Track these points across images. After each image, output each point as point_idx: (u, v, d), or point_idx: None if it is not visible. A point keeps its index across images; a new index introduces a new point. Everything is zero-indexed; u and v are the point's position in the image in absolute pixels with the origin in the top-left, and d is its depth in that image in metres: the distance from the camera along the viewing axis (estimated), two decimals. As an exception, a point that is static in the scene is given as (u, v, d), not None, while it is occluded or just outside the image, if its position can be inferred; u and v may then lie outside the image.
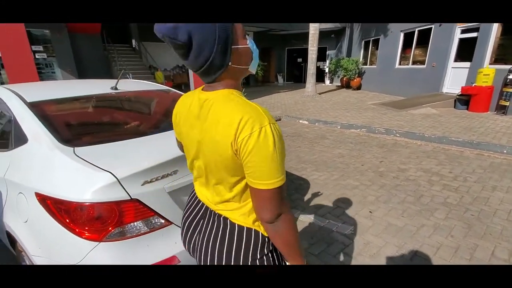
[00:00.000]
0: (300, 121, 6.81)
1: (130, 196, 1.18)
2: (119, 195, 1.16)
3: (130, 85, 2.37)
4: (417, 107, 6.96)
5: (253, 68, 0.78)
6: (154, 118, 2.20)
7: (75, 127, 1.76)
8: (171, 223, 1.33)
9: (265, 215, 0.69)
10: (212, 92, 0.73)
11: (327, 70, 15.43)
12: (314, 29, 9.88)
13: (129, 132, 1.79)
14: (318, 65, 16.70)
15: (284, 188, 0.69)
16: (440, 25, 7.98)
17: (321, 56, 16.42)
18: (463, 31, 7.43)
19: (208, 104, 0.72)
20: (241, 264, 0.76)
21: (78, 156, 1.26)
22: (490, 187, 2.99)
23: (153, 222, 1.29)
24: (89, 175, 1.18)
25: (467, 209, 2.57)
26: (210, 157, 0.73)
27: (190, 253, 0.92)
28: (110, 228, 1.17)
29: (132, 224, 1.23)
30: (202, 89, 0.78)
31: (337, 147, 4.58)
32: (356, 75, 12.34)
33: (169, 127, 1.15)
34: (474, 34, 6.98)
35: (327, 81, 15.95)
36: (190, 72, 8.29)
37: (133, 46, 11.74)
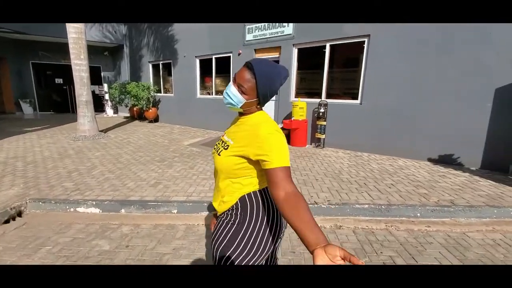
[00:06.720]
0: (77, 208, 2.93)
1: None
2: None
3: None
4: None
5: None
6: None
7: None
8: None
9: None
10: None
11: (107, 97, 11.15)
12: (77, 32, 5.80)
13: None
14: (92, 89, 11.95)
15: None
16: (239, 54, 7.19)
17: (95, 78, 11.79)
18: (260, 64, 7.01)
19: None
20: None
21: None
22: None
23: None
24: None
25: None
26: None
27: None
28: None
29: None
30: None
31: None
32: (151, 105, 9.47)
33: None
34: (272, 67, 6.67)
35: (110, 111, 11.61)
36: None
37: None
